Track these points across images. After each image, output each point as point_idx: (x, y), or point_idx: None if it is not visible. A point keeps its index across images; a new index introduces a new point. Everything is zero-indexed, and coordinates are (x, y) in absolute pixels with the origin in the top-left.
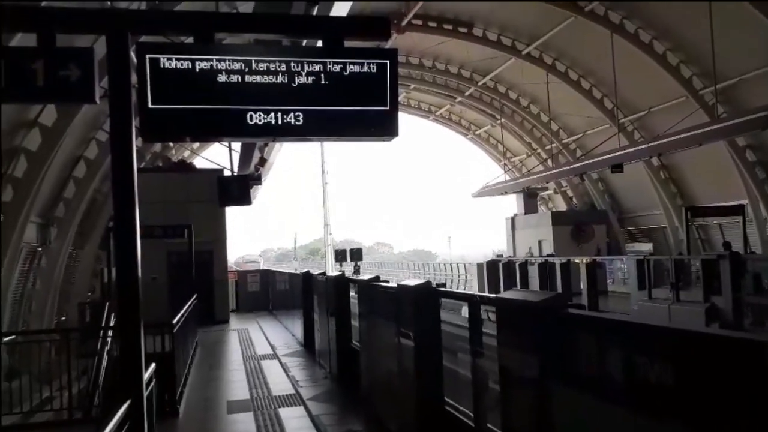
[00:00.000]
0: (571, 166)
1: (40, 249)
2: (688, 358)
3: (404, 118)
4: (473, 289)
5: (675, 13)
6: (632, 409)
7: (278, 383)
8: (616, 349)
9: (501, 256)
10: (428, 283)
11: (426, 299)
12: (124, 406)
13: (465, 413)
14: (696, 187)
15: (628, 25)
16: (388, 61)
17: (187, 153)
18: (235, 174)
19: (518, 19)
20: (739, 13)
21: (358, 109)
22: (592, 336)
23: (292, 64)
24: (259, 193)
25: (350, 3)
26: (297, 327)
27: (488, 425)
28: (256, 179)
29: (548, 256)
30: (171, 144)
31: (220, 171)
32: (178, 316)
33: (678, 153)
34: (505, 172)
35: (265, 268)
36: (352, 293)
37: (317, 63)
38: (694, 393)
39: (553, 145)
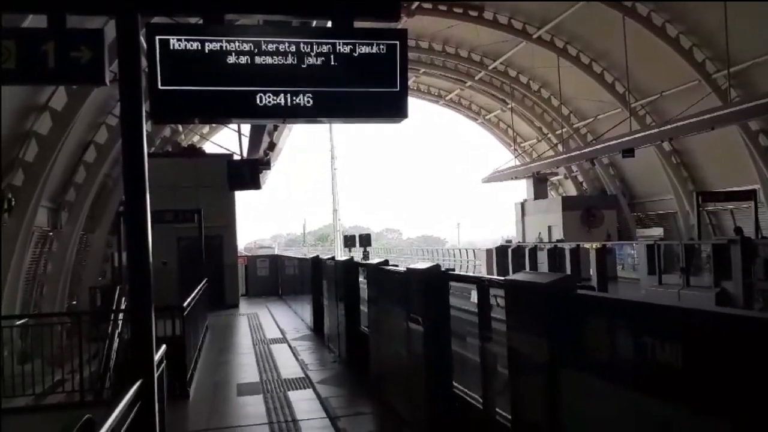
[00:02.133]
0: (582, 151)
1: (51, 233)
2: (700, 338)
3: (414, 103)
4: (482, 274)
5: None
6: (643, 391)
7: (288, 367)
8: (627, 330)
9: (510, 241)
10: (437, 266)
11: (435, 283)
12: (135, 386)
13: (474, 398)
14: (707, 172)
15: (640, 8)
16: (398, 42)
17: (196, 138)
18: (245, 158)
19: (529, 2)
20: None
21: (367, 90)
22: (602, 318)
23: (301, 45)
24: (268, 178)
25: None
26: (306, 311)
27: (497, 410)
28: (266, 164)
29: (558, 241)
30: (180, 129)
31: (230, 156)
32: (189, 300)
33: (690, 137)
34: (516, 157)
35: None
36: (361, 278)
37: (327, 44)
38: (705, 374)
39: (564, 129)
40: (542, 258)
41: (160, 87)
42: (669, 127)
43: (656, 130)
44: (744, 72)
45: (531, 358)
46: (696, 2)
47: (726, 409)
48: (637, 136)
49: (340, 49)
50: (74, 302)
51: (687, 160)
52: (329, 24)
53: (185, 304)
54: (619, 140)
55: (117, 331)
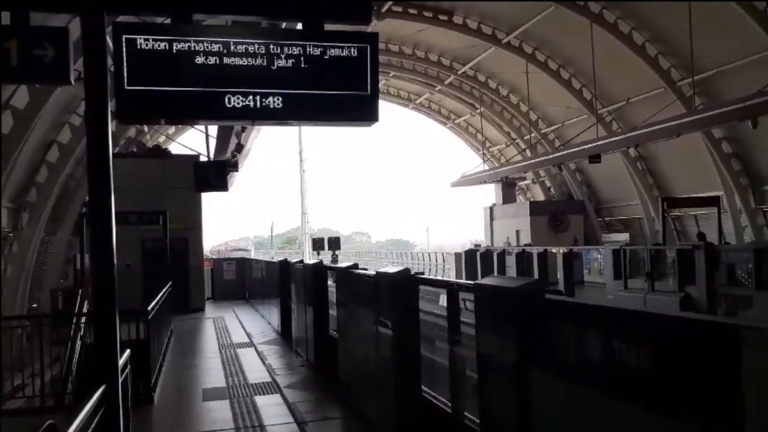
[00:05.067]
0: (550, 156)
1: (11, 234)
2: (666, 342)
3: (384, 106)
4: (451, 278)
5: (655, 5)
6: (610, 393)
7: (254, 371)
8: (594, 333)
9: (479, 245)
10: (407, 270)
11: (405, 286)
12: (99, 392)
13: (443, 402)
14: (672, 178)
15: (608, 15)
16: (368, 45)
17: (162, 138)
18: (212, 160)
19: (499, 8)
20: (717, 6)
21: (338, 93)
22: (570, 321)
23: (271, 46)
24: (235, 180)
25: None
26: (274, 315)
27: (465, 413)
28: (233, 165)
29: (526, 245)
30: (146, 129)
31: (196, 157)
32: (153, 304)
33: (655, 144)
34: (484, 161)
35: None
36: (329, 281)
37: (297, 46)
38: (671, 377)
39: (532, 135)
40: (510, 262)
41: (126, 87)
42: (635, 133)
43: (622, 137)
44: (708, 80)
45: (500, 361)
46: (660, 9)
47: (689, 409)
48: (603, 142)
49: (310, 51)
50: (35, 305)
51: (652, 166)
52: (299, 26)
53: (150, 308)
54: (586, 146)
55: (79, 335)
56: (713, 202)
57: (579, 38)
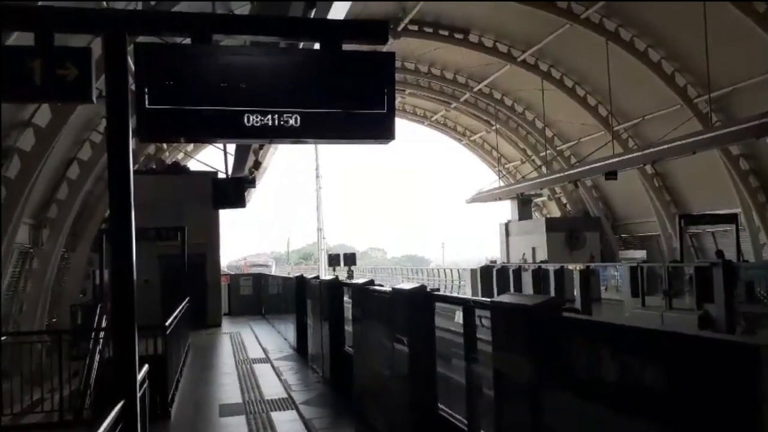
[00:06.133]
0: (565, 173)
1: (32, 250)
2: (683, 362)
3: (399, 124)
4: (467, 295)
5: (671, 22)
6: (627, 413)
7: (270, 387)
8: (611, 352)
9: (494, 262)
10: (423, 287)
11: (421, 303)
12: (118, 407)
13: (458, 419)
14: (689, 195)
15: (623, 33)
16: (385, 64)
17: (180, 155)
18: (230, 177)
19: (514, 26)
20: (733, 23)
21: (355, 111)
22: (587, 339)
23: (289, 66)
24: (253, 197)
25: (348, 4)
26: (290, 331)
27: (481, 431)
28: (251, 182)
29: (542, 262)
30: (165, 146)
31: (214, 174)
32: (171, 319)
33: (672, 161)
34: (500, 178)
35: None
36: (345, 298)
37: (315, 65)
38: (689, 397)
39: (548, 151)
40: (527, 279)
41: (147, 106)
42: (651, 150)
43: (639, 153)
44: (725, 97)
45: (516, 379)
46: (676, 25)
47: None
48: (619, 158)
49: (327, 70)
50: (54, 320)
51: (669, 183)
52: (317, 45)
53: (167, 323)
54: (602, 163)
55: (98, 350)
56: (731, 219)
57: (594, 55)
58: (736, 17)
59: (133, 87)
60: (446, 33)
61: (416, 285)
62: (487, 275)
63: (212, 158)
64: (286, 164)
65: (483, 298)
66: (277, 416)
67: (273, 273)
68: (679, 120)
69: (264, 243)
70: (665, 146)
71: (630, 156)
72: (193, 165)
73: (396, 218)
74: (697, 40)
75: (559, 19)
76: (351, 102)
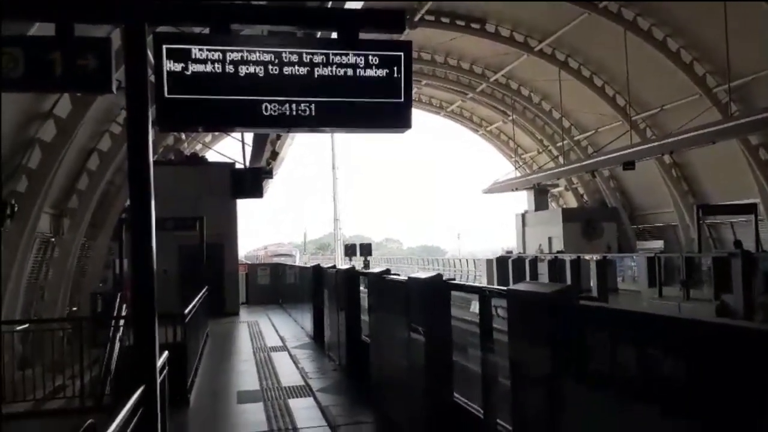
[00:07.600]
0: (583, 163)
1: (53, 239)
2: (702, 349)
3: (416, 114)
4: (483, 285)
5: (689, 11)
6: (645, 401)
7: (288, 374)
8: (629, 341)
9: (511, 252)
10: (439, 275)
11: (437, 292)
12: (138, 393)
13: (475, 408)
14: (708, 185)
15: (641, 22)
16: (402, 54)
17: (199, 146)
18: (248, 167)
19: (531, 16)
20: (753, 11)
21: (372, 100)
22: (604, 327)
23: (306, 55)
24: (270, 187)
25: None
26: (306, 320)
27: (498, 420)
28: (268, 173)
29: (558, 252)
30: (183, 137)
31: (232, 164)
32: (190, 308)
33: (690, 151)
34: (516, 168)
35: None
36: (362, 287)
37: (332, 55)
38: (708, 384)
39: (565, 141)
40: (543, 269)
41: (166, 95)
42: (670, 140)
43: (657, 143)
44: (744, 87)
45: (533, 368)
46: (696, 14)
47: (727, 418)
48: (637, 149)
49: (345, 59)
50: (75, 308)
51: (687, 173)
52: (334, 35)
53: (186, 311)
54: (620, 153)
55: (118, 337)
56: (750, 209)
57: (612, 45)
58: (756, 5)
59: (152, 78)
60: (463, 23)
61: (432, 274)
62: (503, 265)
63: (230, 149)
64: (303, 154)
65: (499, 287)
66: (294, 403)
67: (297, 263)
68: (698, 110)
69: (279, 235)
70: (684, 136)
71: (648, 146)
72: (211, 156)
73: (411, 209)
74: (716, 30)
75: (576, 8)
76: (368, 91)
